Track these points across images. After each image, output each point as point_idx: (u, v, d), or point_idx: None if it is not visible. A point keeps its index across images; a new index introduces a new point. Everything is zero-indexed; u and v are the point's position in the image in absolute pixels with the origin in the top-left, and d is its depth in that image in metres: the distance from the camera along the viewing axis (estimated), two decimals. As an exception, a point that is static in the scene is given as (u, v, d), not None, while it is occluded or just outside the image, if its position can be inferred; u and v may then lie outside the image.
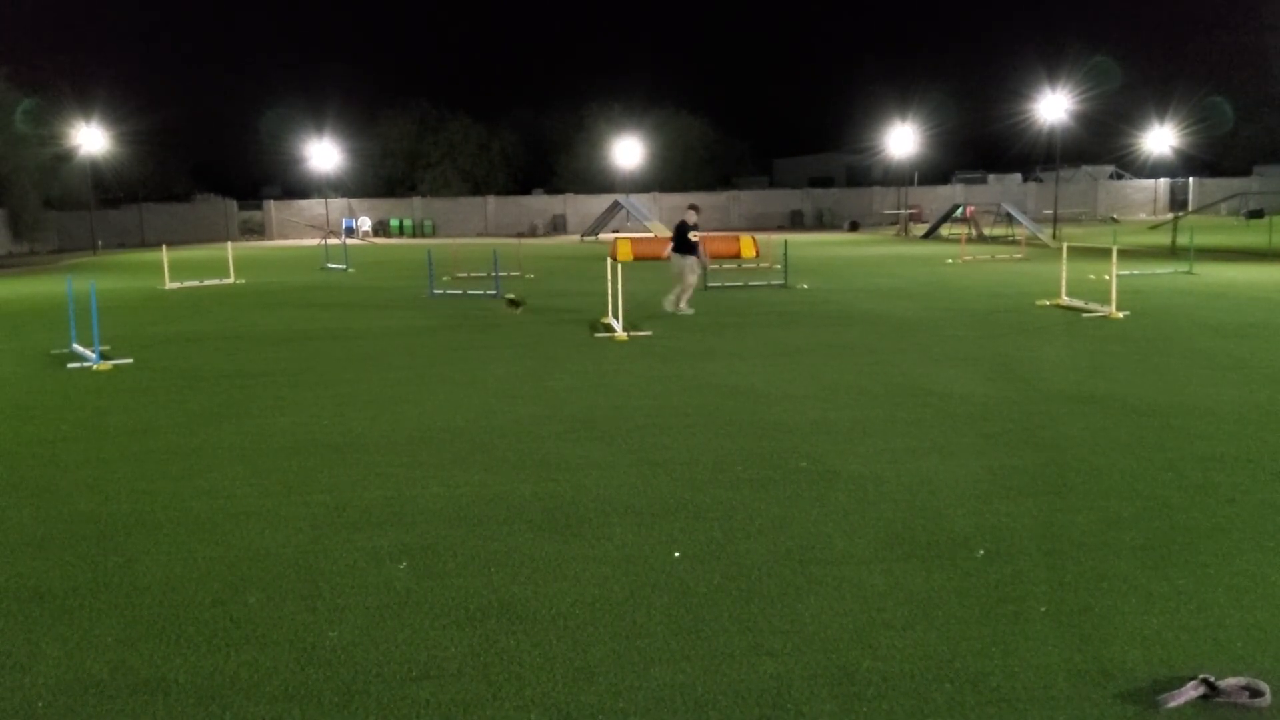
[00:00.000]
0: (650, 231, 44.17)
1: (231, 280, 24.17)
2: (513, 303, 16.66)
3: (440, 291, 20.06)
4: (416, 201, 60.82)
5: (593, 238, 49.13)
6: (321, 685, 3.76)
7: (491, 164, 69.92)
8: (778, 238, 35.07)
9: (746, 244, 32.36)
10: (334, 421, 8.35)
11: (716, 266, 25.01)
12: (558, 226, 59.71)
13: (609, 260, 15.69)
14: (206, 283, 23.75)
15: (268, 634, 4.21)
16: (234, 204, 58.32)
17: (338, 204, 58.39)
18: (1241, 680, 3.47)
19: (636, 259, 31.38)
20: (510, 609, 4.40)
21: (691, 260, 15.88)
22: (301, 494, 6.25)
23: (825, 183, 71.32)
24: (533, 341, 13.15)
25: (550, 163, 72.67)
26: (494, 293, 19.40)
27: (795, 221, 62.04)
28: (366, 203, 60.24)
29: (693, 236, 15.89)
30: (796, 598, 4.43)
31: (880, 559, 4.87)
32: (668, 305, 15.77)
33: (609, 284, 14.53)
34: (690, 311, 15.52)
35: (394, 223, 57.86)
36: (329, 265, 29.31)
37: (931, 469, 6.45)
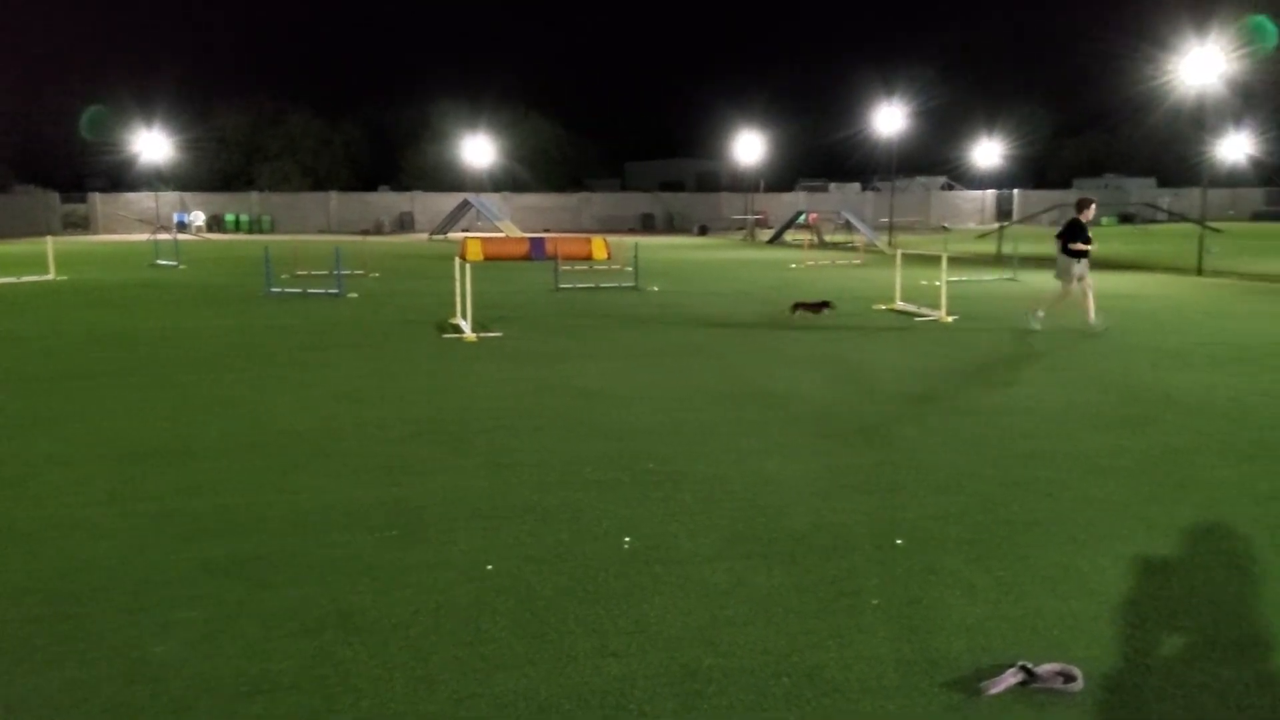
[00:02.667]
0: (501, 231, 43.78)
1: (51, 276, 22.70)
2: (808, 305, 15.40)
3: (279, 290, 19.36)
4: (254, 196, 58.55)
5: (442, 237, 48.38)
6: (147, 702, 3.57)
7: (334, 159, 68.02)
8: (629, 240, 35.35)
9: (598, 246, 32.44)
10: (165, 426, 7.94)
11: (569, 268, 25.00)
12: (405, 224, 58.56)
13: (458, 260, 15.46)
14: (24, 279, 22.23)
15: (90, 650, 3.97)
16: (56, 196, 54.79)
17: (169, 197, 55.63)
18: (1057, 666, 3.68)
19: (487, 259, 31.09)
20: (348, 619, 4.27)
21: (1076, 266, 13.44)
22: (129, 502, 5.91)
23: (676, 187, 72.36)
24: (377, 342, 12.85)
25: (397, 159, 71.16)
26: (335, 291, 18.86)
27: (646, 224, 62.64)
28: (200, 197, 57.62)
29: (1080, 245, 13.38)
30: (642, 598, 4.46)
31: (724, 557, 4.96)
32: (1034, 322, 13.60)
33: (458, 284, 14.33)
34: (1095, 324, 13.25)
35: (229, 218, 55.52)
36: (159, 262, 27.88)
37: (774, 468, 6.61)
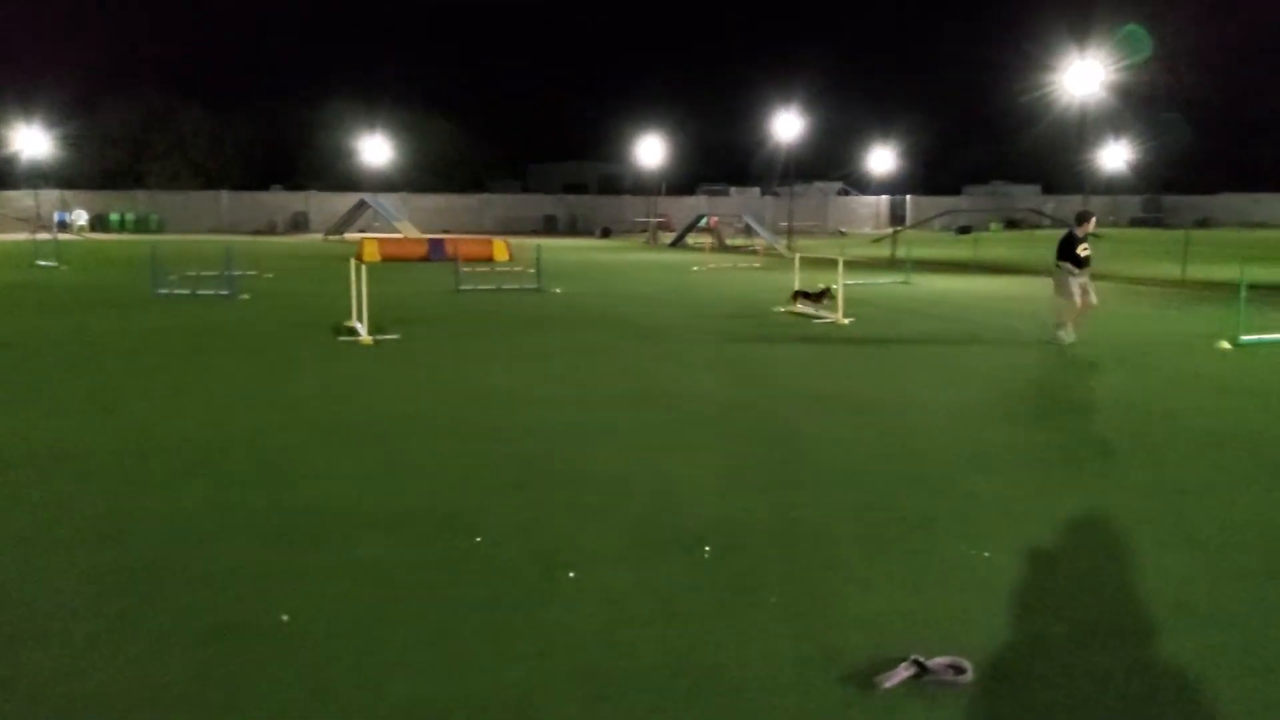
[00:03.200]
0: (399, 232, 43.09)
1: (-83, 276, 21.52)
2: (808, 294, 15.66)
3: (167, 291, 18.70)
4: (141, 195, 56.46)
5: (338, 237, 47.41)
6: (27, 718, 3.39)
7: (226, 157, 66.05)
8: (531, 242, 35.17)
9: (499, 247, 32.21)
10: (44, 431, 7.59)
11: (469, 269, 24.73)
12: (299, 224, 57.24)
13: (354, 261, 15.15)
14: (-114, 278, 21.01)
15: (-47, 672, 3.75)
16: (-74, 194, 51.97)
17: (50, 196, 53.21)
18: (948, 659, 3.77)
19: (384, 260, 30.58)
20: (238, 629, 4.13)
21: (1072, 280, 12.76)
22: (3, 511, 5.62)
23: (578, 189, 72.26)
24: (271, 345, 12.52)
25: (291, 158, 69.44)
26: (227, 292, 18.31)
27: (549, 227, 62.46)
28: (84, 195, 55.30)
29: (1082, 251, 12.74)
30: (543, 601, 4.43)
31: (626, 558, 4.96)
32: (1065, 336, 12.71)
33: (354, 285, 14.04)
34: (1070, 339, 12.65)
35: (114, 217, 53.41)
36: (40, 262, 26.66)
37: (676, 468, 6.64)
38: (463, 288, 20.23)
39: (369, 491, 6.11)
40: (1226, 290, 18.04)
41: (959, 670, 3.71)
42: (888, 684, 3.62)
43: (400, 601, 4.43)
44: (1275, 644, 3.99)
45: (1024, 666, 3.81)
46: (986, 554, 5.00)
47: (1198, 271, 22.07)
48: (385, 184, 60.68)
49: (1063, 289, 12.79)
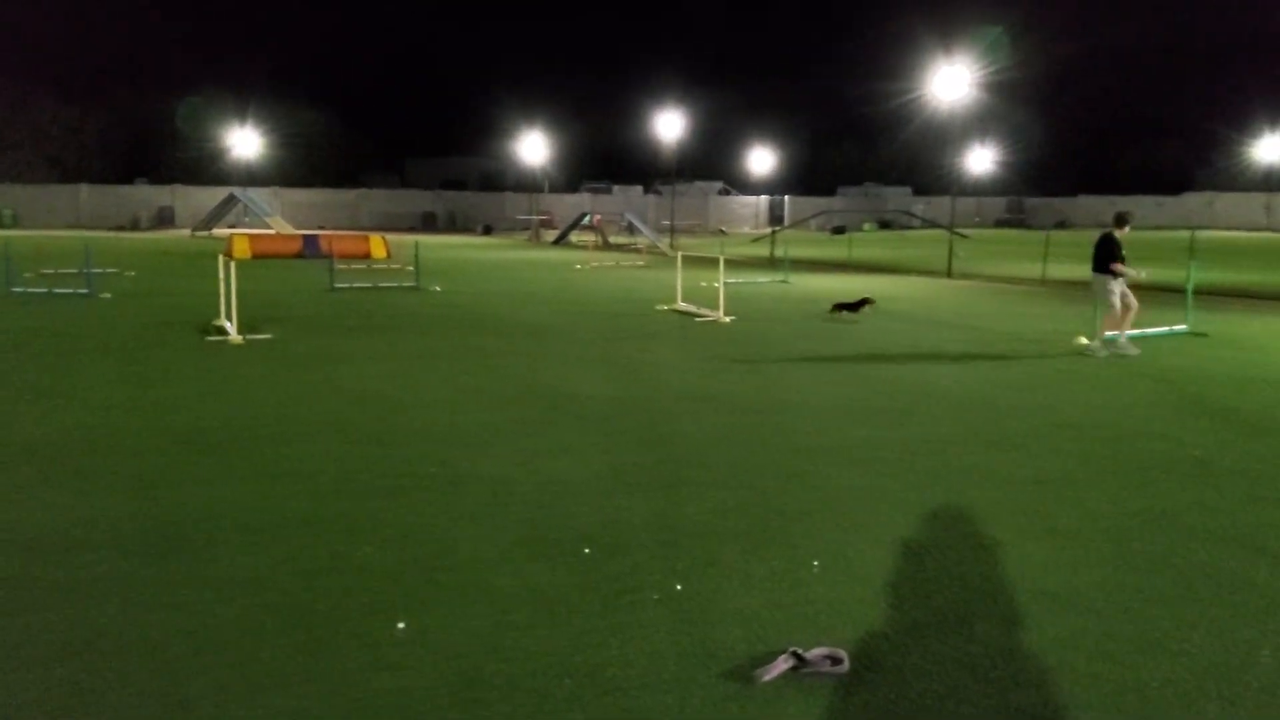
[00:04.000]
0: (271, 228, 41.80)
1: None
2: (847, 305, 14.86)
3: (21, 290, 17.71)
4: (-8, 187, 53.33)
5: (206, 233, 45.72)
6: None
7: (85, 149, 62.87)
8: (409, 239, 34.56)
9: (376, 244, 31.56)
10: (-125, 441, 7.08)
11: (345, 267, 24.17)
12: (165, 220, 55.00)
13: (223, 258, 14.62)
14: None
15: None
16: None
17: (-112, 187, 49.82)
18: (825, 650, 3.85)
19: (255, 257, 29.66)
20: (96, 644, 3.93)
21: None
22: None
23: (458, 186, 71.34)
24: (134, 346, 11.97)
25: (156, 151, 66.60)
26: (86, 291, 17.44)
27: (428, 223, 61.51)
28: (-73, 187, 51.90)
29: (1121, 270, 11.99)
30: (422, 607, 4.34)
31: (508, 561, 4.91)
32: (1110, 346, 12.11)
33: (223, 283, 13.55)
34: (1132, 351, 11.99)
35: (-38, 211, 50.29)
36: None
37: (559, 469, 6.61)
38: (338, 286, 19.75)
39: (238, 499, 5.90)
40: (1084, 289, 18.96)
41: (836, 661, 3.80)
42: (767, 677, 3.68)
43: (271, 612, 4.28)
44: (1128, 628, 4.20)
45: (898, 657, 3.92)
46: (862, 546, 5.13)
47: (1057, 271, 23.13)
48: (256, 178, 58.75)
49: (1104, 296, 12.01)
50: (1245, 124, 77.27)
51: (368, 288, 20.18)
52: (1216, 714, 3.49)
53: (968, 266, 26.67)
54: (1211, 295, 18.36)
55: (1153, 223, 76.68)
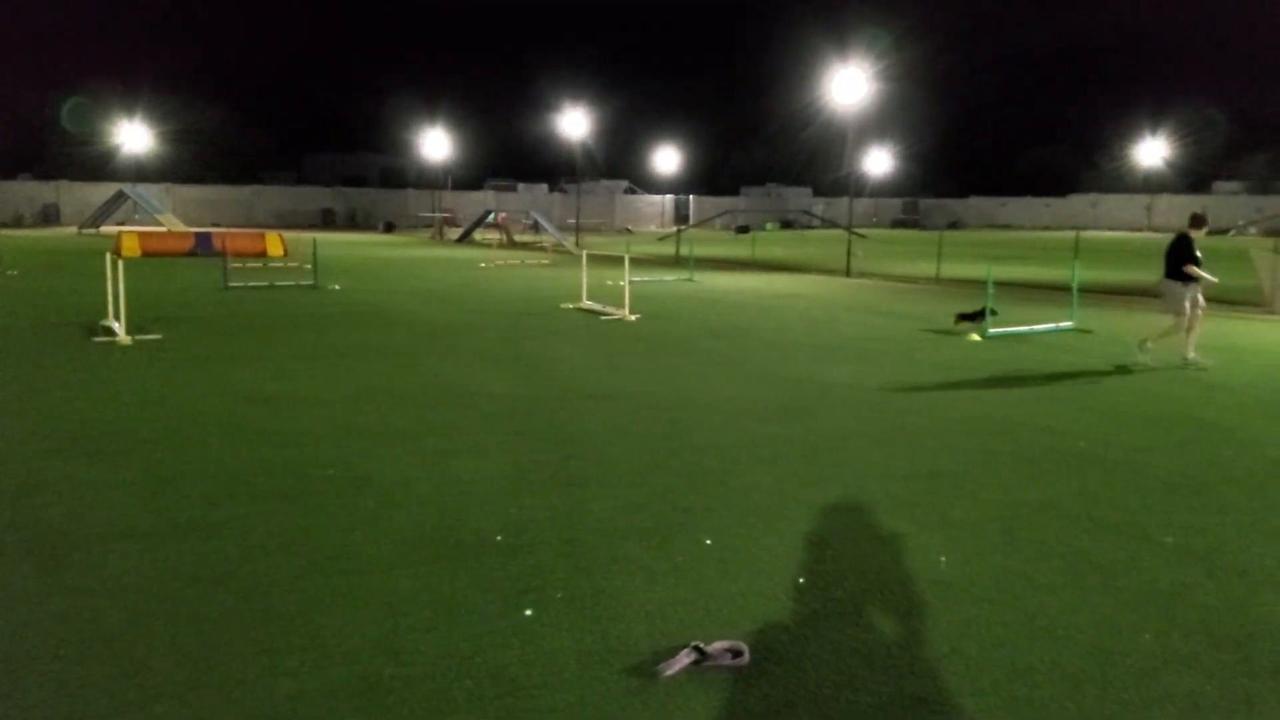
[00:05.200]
0: (162, 225, 40.43)
1: None
2: (969, 315, 13.59)
3: (-112, 288, 16.78)
4: None
5: (93, 230, 43.98)
6: None
7: (-39, 141, 59.85)
8: (307, 236, 33.80)
9: (272, 241, 30.79)
10: None
11: (240, 265, 23.53)
12: (50, 217, 52.77)
13: (111, 255, 14.06)
14: None
15: None
16: None
17: None
18: (726, 644, 3.88)
19: (145, 255, 28.68)
20: (-29, 660, 3.74)
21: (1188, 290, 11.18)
22: None
23: (358, 182, 70.09)
24: (16, 347, 11.44)
25: (39, 145, 63.80)
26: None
27: (327, 220, 60.27)
28: None
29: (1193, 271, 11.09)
30: (319, 612, 4.24)
31: (407, 563, 4.83)
32: (1142, 354, 11.36)
33: (110, 282, 13.04)
34: (1202, 362, 11.13)
35: None
36: None
37: (461, 469, 6.53)
38: (232, 284, 19.21)
39: (126, 504, 5.68)
40: (976, 287, 19.55)
41: (736, 654, 3.83)
42: (668, 672, 3.69)
43: (161, 620, 4.14)
44: (1017, 614, 4.33)
45: (797, 648, 3.97)
46: (764, 541, 5.19)
47: (951, 270, 23.79)
48: (147, 174, 56.73)
49: (1173, 302, 11.15)
50: (1128, 128, 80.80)
51: (263, 286, 19.66)
52: (1098, 696, 3.62)
53: (865, 265, 27.25)
54: (1096, 293, 19.10)
55: (1041, 223, 79.60)
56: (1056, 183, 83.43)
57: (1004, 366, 11.09)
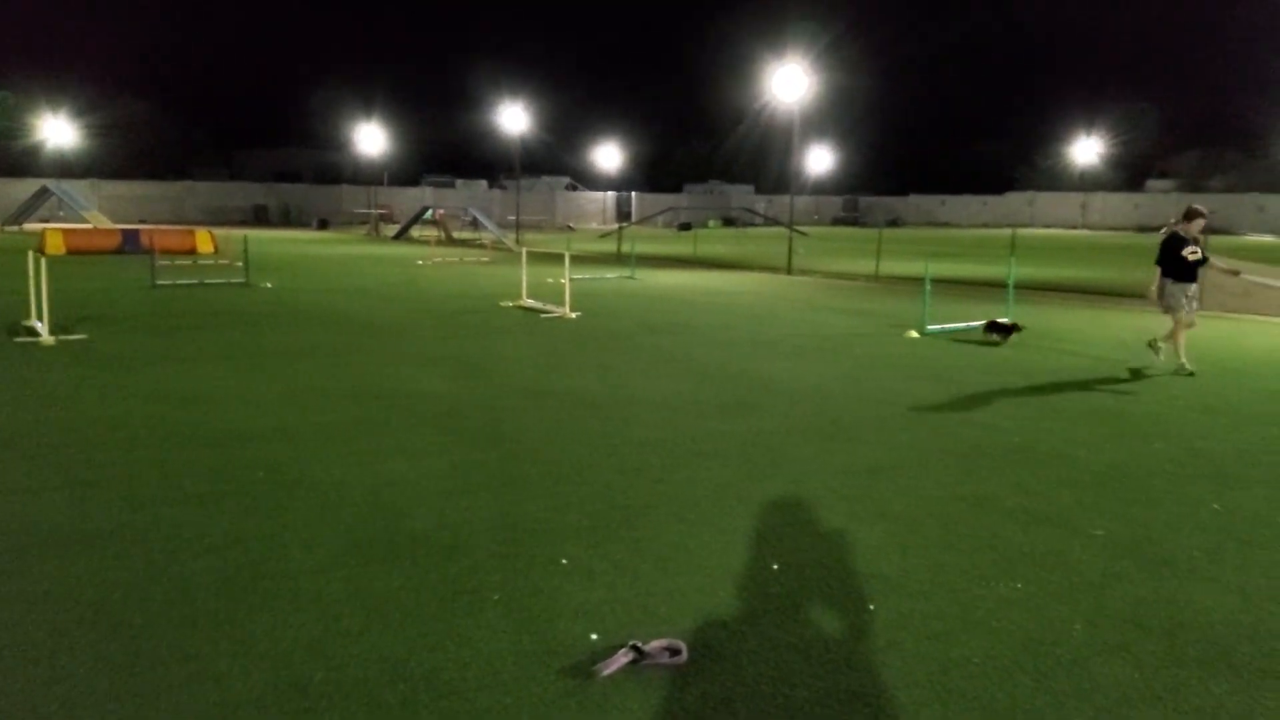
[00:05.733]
0: (88, 222, 39.40)
1: None
2: (1000, 326, 12.61)
3: None
4: None
5: (16, 228, 42.69)
6: None
7: (-123, 135, 57.85)
8: (239, 233, 33.16)
9: (202, 239, 30.16)
10: None
11: (168, 263, 23.01)
12: (-30, 213, 50.92)
13: (34, 253, 13.62)
14: None
15: None
16: None
17: None
18: (664, 642, 3.85)
19: (70, 253, 27.94)
20: (-124, 675, 3.57)
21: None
22: None
23: (292, 178, 68.94)
24: (-71, 347, 11.03)
25: (-42, 138, 61.81)
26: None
27: (259, 217, 59.22)
28: None
29: (1190, 255, 10.63)
30: (247, 616, 4.13)
31: (340, 566, 4.73)
32: (1154, 355, 10.94)
33: (33, 280, 12.64)
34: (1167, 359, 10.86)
35: None
36: None
37: (396, 470, 6.43)
38: (160, 283, 18.76)
39: (49, 508, 5.49)
40: (914, 284, 19.80)
41: (674, 652, 3.81)
42: (606, 671, 3.66)
43: (85, 628, 4.00)
44: (953, 607, 4.37)
45: (735, 644, 3.96)
46: (703, 537, 5.17)
47: (890, 267, 24.07)
48: (72, 170, 55.24)
49: (1166, 300, 10.72)
50: (1063, 127, 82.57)
51: (193, 284, 19.24)
52: (1030, 687, 3.66)
53: (807, 263, 27.47)
54: (1031, 290, 19.46)
55: (979, 221, 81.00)
56: (994, 181, 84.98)
57: (941, 362, 11.23)
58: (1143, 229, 68.22)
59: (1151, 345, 10.92)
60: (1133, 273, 25.78)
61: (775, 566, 4.82)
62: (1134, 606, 4.40)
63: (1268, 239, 45.87)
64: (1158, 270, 10.76)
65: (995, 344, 12.45)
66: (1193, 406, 8.91)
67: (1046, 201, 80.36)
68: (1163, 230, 11.11)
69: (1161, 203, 73.26)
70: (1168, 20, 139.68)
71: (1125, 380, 10.17)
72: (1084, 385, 9.87)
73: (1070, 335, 13.71)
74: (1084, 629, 4.16)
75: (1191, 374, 10.38)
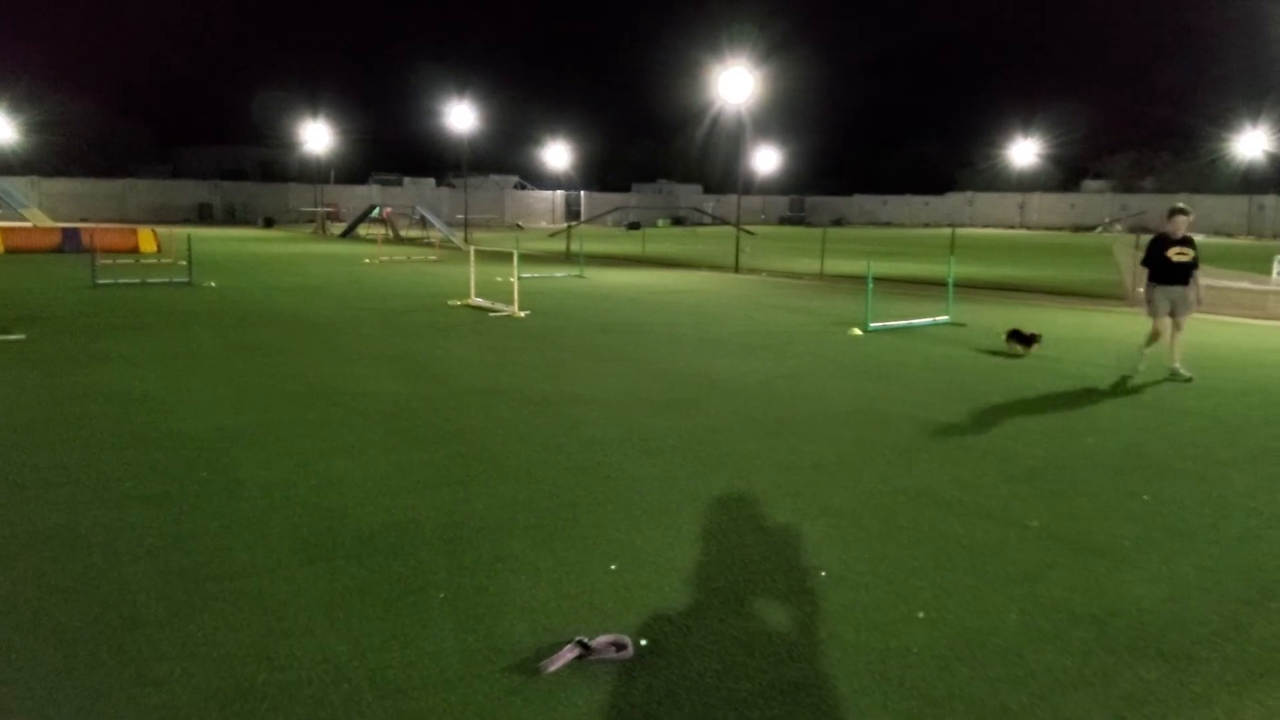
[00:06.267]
0: (27, 220, 38.49)
1: None
2: (1022, 335, 11.65)
3: None
4: None
5: (-51, 225, 41.52)
6: None
7: None
8: (182, 231, 32.59)
9: (145, 237, 29.62)
10: None
11: (109, 262, 22.57)
12: (-101, 211, 49.47)
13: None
14: None
15: None
16: None
17: None
18: (610, 637, 3.89)
19: (9, 251, 27.31)
20: None
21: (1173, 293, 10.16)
22: None
23: (237, 176, 67.92)
24: None
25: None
26: None
27: (204, 215, 58.28)
28: None
29: (1175, 256, 10.06)
30: (189, 618, 4.09)
31: (283, 566, 4.70)
32: (1138, 363, 10.40)
33: (-35, 279, 12.34)
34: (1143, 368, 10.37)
35: None
36: None
37: (341, 469, 6.39)
38: (101, 282, 18.40)
39: (-21, 512, 5.38)
40: (858, 282, 20.05)
41: (620, 647, 3.84)
42: (552, 668, 3.68)
43: (21, 632, 3.94)
44: (892, 599, 4.46)
45: (680, 638, 4.01)
46: (649, 533, 5.21)
47: (834, 266, 24.33)
48: (11, 167, 53.89)
49: (1147, 302, 10.26)
50: (1002, 129, 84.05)
51: (135, 284, 18.89)
52: (967, 675, 3.76)
53: (753, 262, 27.68)
54: (971, 288, 19.80)
55: (920, 221, 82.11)
56: (935, 182, 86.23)
57: (883, 359, 11.40)
58: (1078, 228, 69.79)
59: (1170, 365, 10.16)
60: (1067, 271, 26.34)
61: (720, 560, 4.88)
62: (1067, 595, 4.52)
63: (1198, 237, 47.17)
64: (1145, 272, 10.27)
65: (1018, 355, 11.53)
66: (1125, 402, 9.14)
67: (985, 201, 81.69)
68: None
69: (1096, 202, 74.95)
70: (1102, 25, 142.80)
71: (1057, 376, 10.39)
72: (1020, 382, 10.07)
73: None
74: (1019, 618, 4.27)
75: (1189, 379, 9.88)
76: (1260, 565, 4.96)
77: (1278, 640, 4.10)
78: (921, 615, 4.26)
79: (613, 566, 4.78)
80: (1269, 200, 64.38)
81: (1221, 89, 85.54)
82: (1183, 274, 10.01)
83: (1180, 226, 9.98)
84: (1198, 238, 10.86)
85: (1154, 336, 10.28)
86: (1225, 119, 65.67)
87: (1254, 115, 61.78)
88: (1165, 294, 10.05)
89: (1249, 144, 62.20)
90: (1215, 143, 68.86)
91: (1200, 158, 75.03)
